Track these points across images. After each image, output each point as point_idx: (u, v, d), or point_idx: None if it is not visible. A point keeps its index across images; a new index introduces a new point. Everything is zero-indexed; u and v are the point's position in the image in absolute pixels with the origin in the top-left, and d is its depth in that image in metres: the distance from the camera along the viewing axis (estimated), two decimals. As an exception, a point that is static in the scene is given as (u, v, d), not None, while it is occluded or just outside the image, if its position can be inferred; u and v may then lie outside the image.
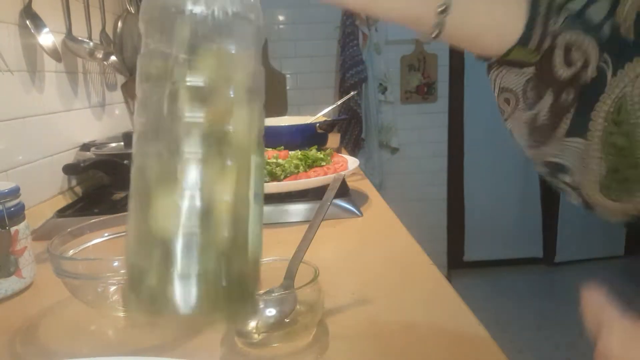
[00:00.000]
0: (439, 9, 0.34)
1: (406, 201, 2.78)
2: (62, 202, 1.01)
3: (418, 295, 0.55)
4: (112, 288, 0.54)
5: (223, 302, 0.26)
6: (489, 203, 2.92)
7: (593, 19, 0.33)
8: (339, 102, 1.92)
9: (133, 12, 1.46)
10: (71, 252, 0.56)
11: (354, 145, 2.61)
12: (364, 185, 1.07)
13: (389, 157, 2.75)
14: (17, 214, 0.60)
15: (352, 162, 1.03)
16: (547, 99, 0.35)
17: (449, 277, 2.81)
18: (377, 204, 0.93)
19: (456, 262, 2.93)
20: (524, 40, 0.34)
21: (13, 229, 0.59)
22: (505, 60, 0.37)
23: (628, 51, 0.32)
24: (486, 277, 2.89)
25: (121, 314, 0.54)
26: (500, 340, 0.43)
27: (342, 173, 0.73)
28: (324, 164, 1.01)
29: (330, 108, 1.62)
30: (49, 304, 0.57)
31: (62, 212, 0.88)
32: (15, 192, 0.60)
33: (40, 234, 0.81)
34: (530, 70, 0.36)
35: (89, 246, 0.59)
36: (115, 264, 0.50)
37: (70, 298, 0.53)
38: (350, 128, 2.60)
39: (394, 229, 0.79)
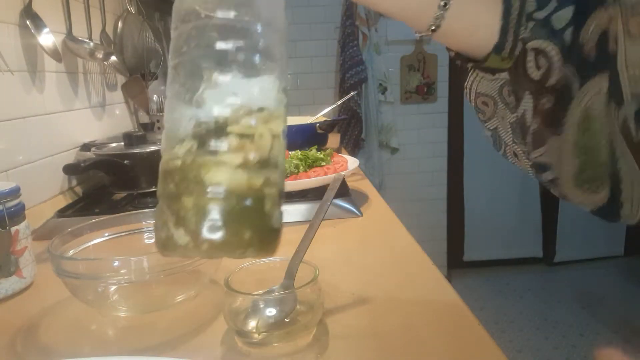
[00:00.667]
0: (441, 2, 0.36)
1: (406, 201, 2.78)
2: (63, 202, 1.01)
3: (418, 295, 0.55)
4: (112, 288, 0.54)
5: (248, 222, 0.27)
6: (489, 203, 2.92)
7: (556, 26, 0.36)
8: (339, 102, 1.92)
9: (133, 12, 1.46)
10: (71, 252, 0.57)
11: (354, 145, 2.61)
12: (364, 185, 1.07)
13: (389, 157, 2.75)
14: (18, 214, 0.60)
15: (352, 162, 1.03)
16: (528, 101, 0.39)
17: (448, 277, 2.81)
18: (377, 204, 0.93)
19: (456, 262, 2.93)
20: (498, 47, 0.37)
21: (13, 229, 0.59)
22: (481, 67, 0.39)
23: (591, 68, 0.36)
24: (486, 277, 2.89)
25: (121, 314, 0.54)
26: (500, 340, 0.44)
27: (342, 173, 0.73)
28: (324, 164, 1.01)
29: (330, 108, 1.63)
30: (49, 304, 0.57)
31: (62, 212, 0.88)
32: (15, 192, 0.60)
33: (40, 234, 0.81)
34: (503, 75, 0.39)
35: (89, 246, 0.59)
36: (116, 263, 0.50)
37: (71, 298, 0.53)
38: (350, 128, 2.60)
39: (394, 229, 0.79)
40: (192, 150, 0.27)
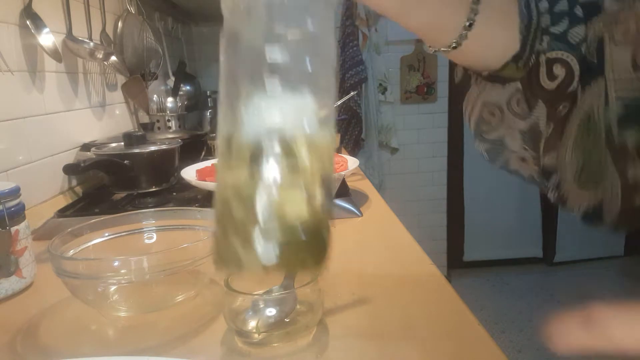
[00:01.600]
0: (467, 23, 0.36)
1: (406, 201, 2.78)
2: (63, 202, 1.01)
3: (418, 295, 0.56)
4: (112, 288, 0.54)
5: (303, 254, 0.30)
6: (489, 203, 2.92)
7: (572, 40, 0.38)
8: (339, 102, 1.92)
9: (133, 12, 1.46)
10: (71, 252, 0.57)
11: (354, 145, 2.61)
12: (364, 185, 1.07)
13: (389, 157, 2.75)
14: (18, 213, 0.60)
15: (352, 162, 1.03)
16: (541, 110, 0.40)
17: (448, 277, 2.81)
18: (377, 204, 0.93)
19: (456, 262, 2.93)
20: (516, 58, 0.38)
21: (13, 229, 0.59)
22: (495, 76, 0.40)
23: (592, 71, 0.38)
24: (486, 277, 2.89)
25: (121, 314, 0.54)
26: (500, 340, 0.44)
27: (342, 173, 0.73)
28: (324, 164, 1.00)
29: (330, 108, 1.62)
30: (49, 304, 0.57)
31: (62, 212, 0.88)
32: (15, 192, 0.60)
33: (40, 234, 0.81)
34: (514, 85, 0.40)
35: (89, 246, 0.59)
36: (116, 263, 0.50)
37: (71, 298, 0.53)
38: (350, 128, 2.60)
39: (394, 229, 0.79)
40: (250, 178, 0.29)
